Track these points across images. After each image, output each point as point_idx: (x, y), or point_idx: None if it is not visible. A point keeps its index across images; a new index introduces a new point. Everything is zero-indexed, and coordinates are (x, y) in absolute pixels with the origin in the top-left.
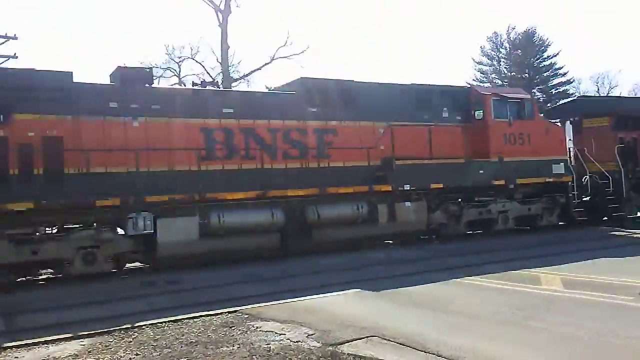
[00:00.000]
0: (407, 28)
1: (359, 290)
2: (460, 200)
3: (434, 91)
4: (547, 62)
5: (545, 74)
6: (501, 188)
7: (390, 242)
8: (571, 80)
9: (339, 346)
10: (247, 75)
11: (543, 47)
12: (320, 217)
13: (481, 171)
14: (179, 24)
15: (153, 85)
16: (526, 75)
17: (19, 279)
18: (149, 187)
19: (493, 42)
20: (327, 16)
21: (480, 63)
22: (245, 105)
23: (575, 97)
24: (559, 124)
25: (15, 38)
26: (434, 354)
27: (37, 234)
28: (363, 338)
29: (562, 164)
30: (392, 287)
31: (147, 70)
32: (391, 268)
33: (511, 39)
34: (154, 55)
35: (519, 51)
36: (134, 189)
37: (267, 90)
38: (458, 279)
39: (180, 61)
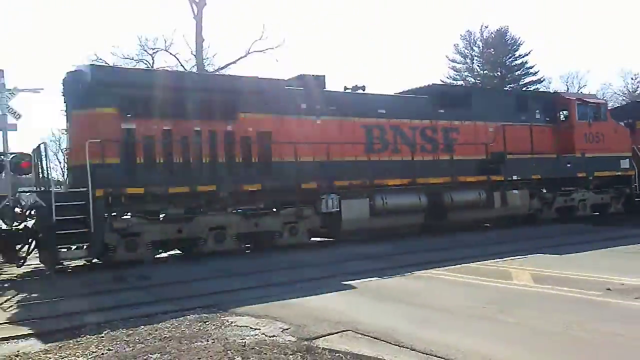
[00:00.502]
0: (382, 24)
1: (332, 284)
2: (545, 189)
3: (529, 95)
4: (518, 61)
5: (516, 73)
6: (582, 180)
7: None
8: (542, 80)
9: (314, 340)
10: (222, 68)
11: (515, 46)
12: (453, 201)
13: (568, 165)
14: (153, 15)
15: (328, 89)
16: (498, 73)
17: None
18: (331, 174)
19: (466, 41)
20: (301, 10)
21: (454, 61)
22: (393, 106)
23: (629, 101)
24: None
25: None
26: (407, 348)
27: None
28: (338, 332)
29: (628, 159)
30: (364, 281)
31: (322, 77)
32: (363, 263)
33: (484, 37)
34: (126, 46)
35: (492, 50)
36: (324, 175)
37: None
38: (430, 274)
39: (153, 53)
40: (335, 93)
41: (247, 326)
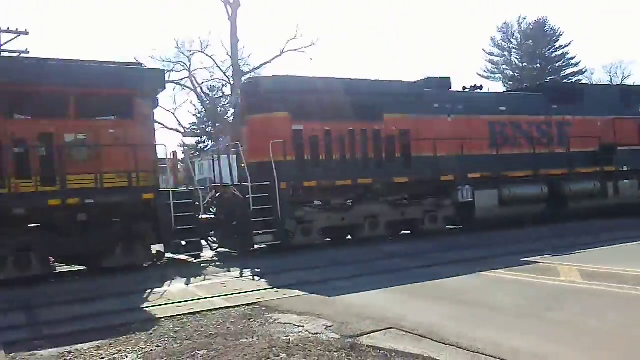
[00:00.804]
0: (418, 18)
1: (373, 282)
2: None
3: (632, 90)
4: (559, 52)
5: (557, 64)
6: None
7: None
8: (584, 70)
9: (358, 338)
10: (257, 68)
11: (555, 37)
12: (572, 191)
13: None
14: (189, 17)
15: (455, 90)
16: (538, 65)
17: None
18: (463, 167)
19: (504, 33)
20: (336, 8)
21: (491, 54)
22: (512, 103)
23: None
24: None
25: (26, 33)
26: (453, 346)
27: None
28: (382, 330)
29: None
30: (407, 279)
31: (447, 78)
32: (405, 260)
33: (522, 29)
34: (163, 49)
35: (531, 41)
36: (457, 168)
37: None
38: (474, 272)
39: (190, 55)
40: (461, 93)
41: (290, 323)
